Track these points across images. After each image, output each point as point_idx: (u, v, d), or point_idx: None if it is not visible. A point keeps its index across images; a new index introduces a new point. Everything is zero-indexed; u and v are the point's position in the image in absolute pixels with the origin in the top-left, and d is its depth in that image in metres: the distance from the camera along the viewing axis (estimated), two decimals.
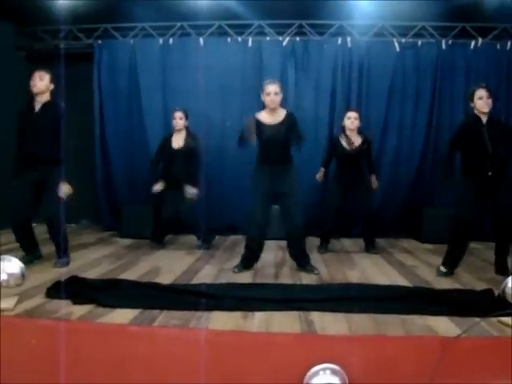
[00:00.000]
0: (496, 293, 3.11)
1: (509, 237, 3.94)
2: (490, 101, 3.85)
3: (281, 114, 4.05)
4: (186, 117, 5.17)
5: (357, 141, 4.99)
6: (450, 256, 4.03)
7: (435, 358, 2.42)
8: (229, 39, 6.19)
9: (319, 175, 5.24)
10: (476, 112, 3.91)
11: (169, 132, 5.34)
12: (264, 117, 4.05)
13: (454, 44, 6.04)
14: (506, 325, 2.74)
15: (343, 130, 5.06)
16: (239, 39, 6.18)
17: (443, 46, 6.03)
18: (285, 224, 4.21)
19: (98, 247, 5.18)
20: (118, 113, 6.31)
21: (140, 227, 5.59)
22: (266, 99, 3.98)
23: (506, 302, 2.87)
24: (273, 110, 4.02)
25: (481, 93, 3.86)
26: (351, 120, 5.00)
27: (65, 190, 4.03)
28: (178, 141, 5.13)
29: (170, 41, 6.19)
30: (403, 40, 6.08)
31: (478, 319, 2.75)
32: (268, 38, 6.20)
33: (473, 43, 6.00)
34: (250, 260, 4.20)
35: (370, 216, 5.13)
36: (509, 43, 5.93)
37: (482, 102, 3.84)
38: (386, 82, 6.10)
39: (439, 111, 6.08)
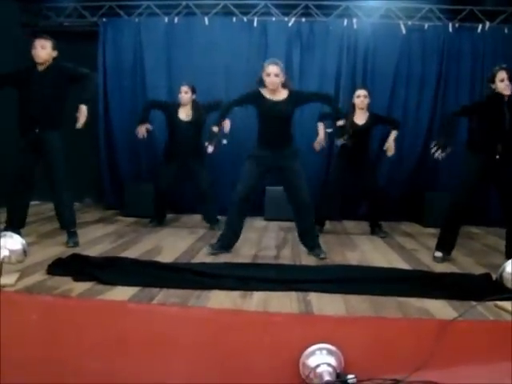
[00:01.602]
0: (494, 277, 3.12)
1: None
2: (510, 84, 3.76)
3: (283, 93, 4.01)
4: (193, 91, 5.16)
5: (364, 119, 4.97)
6: (442, 239, 4.03)
7: (432, 341, 2.45)
8: (234, 19, 6.14)
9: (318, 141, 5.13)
10: (496, 90, 3.81)
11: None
12: (266, 93, 4.01)
13: (461, 27, 5.98)
14: (503, 309, 2.77)
15: (353, 107, 5.02)
16: (244, 19, 6.14)
17: (450, 30, 5.97)
18: (291, 202, 4.12)
19: (101, 225, 5.22)
20: (122, 91, 6.30)
21: (143, 206, 5.60)
22: (266, 80, 3.94)
23: (503, 286, 2.88)
24: (273, 91, 3.98)
25: (502, 75, 3.76)
26: (361, 98, 4.97)
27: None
28: (185, 112, 5.14)
29: (176, 20, 6.15)
30: (409, 22, 6.01)
31: (474, 303, 2.77)
32: (273, 19, 6.15)
33: (480, 27, 5.93)
34: (228, 239, 4.11)
35: (378, 195, 5.12)
36: None
37: (503, 84, 3.74)
38: (391, 64, 6.06)
39: (444, 95, 6.04)
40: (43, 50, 4.01)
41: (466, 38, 5.99)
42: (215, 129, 4.11)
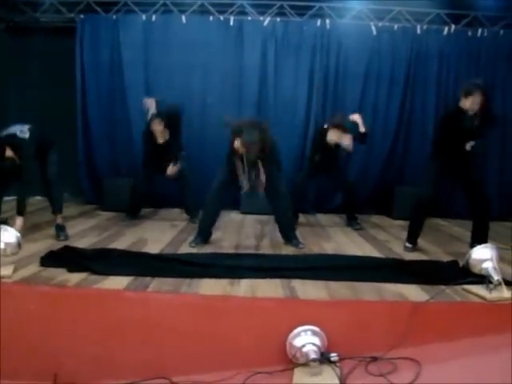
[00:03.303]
0: (461, 264, 3.39)
1: (487, 211, 4.16)
2: (481, 100, 3.89)
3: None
4: (162, 120, 5.20)
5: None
6: (411, 231, 4.29)
7: (406, 321, 2.69)
8: (211, 17, 6.26)
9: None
10: (464, 107, 3.95)
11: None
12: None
13: (429, 29, 6.25)
14: (469, 292, 3.03)
15: (326, 130, 5.15)
16: (221, 18, 6.27)
17: (418, 31, 6.24)
18: (268, 194, 4.30)
19: (82, 219, 5.30)
20: (100, 88, 6.35)
21: (121, 200, 5.65)
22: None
23: (469, 271, 3.15)
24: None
25: (477, 96, 3.88)
26: (334, 139, 5.09)
27: None
28: (162, 135, 5.28)
29: (153, 17, 6.23)
30: (380, 24, 6.26)
31: (444, 287, 3.03)
32: (249, 18, 6.31)
33: (446, 29, 6.23)
34: (206, 233, 4.29)
35: (350, 187, 5.37)
36: (479, 30, 6.18)
37: (474, 104, 3.88)
38: (362, 63, 6.29)
39: (412, 93, 6.31)
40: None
41: (432, 40, 6.26)
42: None
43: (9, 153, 3.97)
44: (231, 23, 6.26)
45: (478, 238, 3.98)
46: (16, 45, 6.49)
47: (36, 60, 6.41)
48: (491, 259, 3.04)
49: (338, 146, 5.14)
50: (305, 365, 2.56)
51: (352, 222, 5.37)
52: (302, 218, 5.71)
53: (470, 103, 3.93)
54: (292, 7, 6.34)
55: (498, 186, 6.19)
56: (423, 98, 6.29)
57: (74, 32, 6.33)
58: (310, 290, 3.03)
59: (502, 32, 6.23)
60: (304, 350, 2.58)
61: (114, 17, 6.30)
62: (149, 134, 5.28)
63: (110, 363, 2.70)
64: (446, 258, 3.87)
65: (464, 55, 6.24)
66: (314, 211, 6.20)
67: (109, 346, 2.73)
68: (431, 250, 4.30)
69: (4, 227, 3.22)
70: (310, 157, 5.38)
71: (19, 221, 3.94)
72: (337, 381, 2.42)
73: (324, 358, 2.57)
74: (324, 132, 5.17)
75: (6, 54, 6.46)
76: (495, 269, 3.00)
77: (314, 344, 2.60)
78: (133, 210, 5.46)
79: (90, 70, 6.32)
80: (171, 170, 5.23)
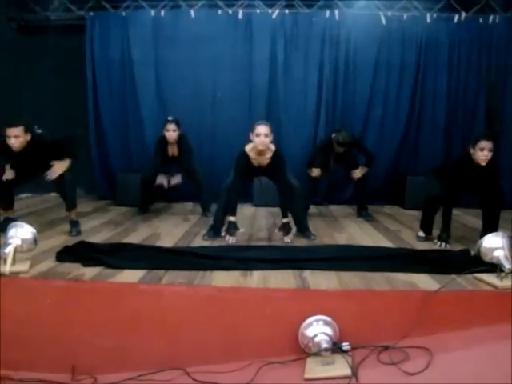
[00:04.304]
0: (472, 252, 3.39)
1: (499, 201, 4.11)
2: (490, 154, 3.83)
3: (267, 156, 4.11)
4: (179, 126, 5.27)
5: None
6: (424, 223, 4.28)
7: (417, 310, 2.71)
8: (219, 11, 6.28)
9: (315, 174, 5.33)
10: (473, 158, 3.91)
11: (156, 124, 5.58)
12: (252, 154, 4.12)
13: (439, 18, 6.21)
14: (480, 280, 3.03)
15: (331, 141, 5.20)
16: (230, 12, 6.28)
17: (428, 20, 6.20)
18: (278, 188, 4.29)
19: (96, 215, 5.36)
20: (111, 84, 6.41)
21: (134, 195, 5.66)
22: (255, 140, 4.00)
23: (480, 260, 3.15)
24: (261, 151, 4.07)
25: (484, 144, 3.83)
26: (340, 151, 5.19)
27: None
28: (172, 149, 5.36)
29: (162, 13, 6.27)
30: (389, 13, 6.23)
31: (455, 276, 3.03)
32: (258, 11, 6.31)
33: (456, 17, 6.18)
34: (219, 226, 4.29)
35: (363, 180, 5.36)
36: (491, 17, 6.13)
37: (482, 154, 3.82)
38: (372, 54, 6.27)
39: (423, 83, 6.27)
40: (17, 140, 3.99)
41: (443, 28, 6.22)
42: (232, 219, 4.11)
43: None
44: (240, 17, 6.27)
45: (489, 227, 3.97)
46: (27, 43, 6.57)
47: (47, 58, 6.46)
48: (502, 247, 3.04)
49: (346, 153, 5.24)
50: (317, 354, 2.61)
51: (363, 213, 5.38)
52: (314, 209, 5.75)
53: (478, 153, 3.87)
54: None
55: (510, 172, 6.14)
56: (434, 87, 6.25)
57: (84, 29, 6.39)
58: (321, 280, 3.05)
59: None
60: (316, 339, 2.62)
61: (124, 13, 6.34)
62: (162, 143, 5.35)
63: (125, 355, 2.77)
64: (457, 248, 3.86)
65: (475, 43, 6.18)
66: (327, 202, 6.23)
67: (124, 338, 2.79)
68: None
69: (20, 223, 3.28)
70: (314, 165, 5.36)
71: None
72: (349, 370, 2.46)
73: (336, 348, 2.61)
74: (331, 144, 5.22)
75: (18, 52, 6.54)
76: (506, 257, 2.99)
77: (325, 334, 2.64)
78: (144, 205, 5.52)
79: (100, 67, 6.37)
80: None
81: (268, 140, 4.01)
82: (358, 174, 5.32)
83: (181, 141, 5.32)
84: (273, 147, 4.11)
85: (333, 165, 5.34)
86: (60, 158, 4.23)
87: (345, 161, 5.33)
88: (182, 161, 5.36)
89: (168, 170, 5.45)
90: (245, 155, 4.11)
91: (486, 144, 3.84)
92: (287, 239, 4.08)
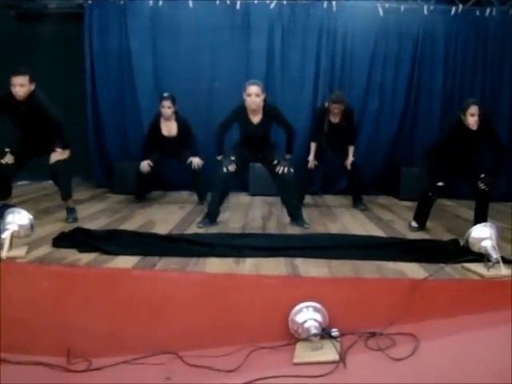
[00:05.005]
0: (461, 242, 3.45)
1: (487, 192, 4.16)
2: (479, 119, 3.96)
3: (259, 115, 4.29)
4: (174, 103, 5.32)
5: (338, 118, 5.23)
6: (418, 214, 4.34)
7: (405, 298, 2.77)
8: (217, 2, 6.29)
9: (311, 164, 5.37)
10: (465, 124, 4.03)
11: (154, 113, 5.52)
12: (248, 112, 4.30)
13: (436, 9, 6.24)
14: (468, 270, 3.10)
15: (328, 109, 5.21)
16: (227, 2, 6.29)
17: (425, 12, 6.23)
18: (273, 177, 4.47)
19: (93, 202, 5.42)
20: (109, 73, 6.44)
21: (132, 183, 5.72)
22: (247, 100, 4.17)
23: (468, 249, 3.21)
24: (254, 110, 4.23)
25: (474, 109, 3.96)
26: (335, 111, 5.17)
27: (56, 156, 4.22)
28: (168, 128, 5.38)
29: (160, 3, 6.28)
30: (387, 5, 6.24)
31: (443, 265, 3.09)
32: (256, 1, 6.32)
33: (453, 9, 6.21)
34: (214, 214, 4.38)
35: (355, 170, 5.41)
36: (487, 10, 6.16)
37: (472, 119, 3.95)
38: (369, 45, 6.30)
39: (419, 74, 6.32)
40: (22, 88, 4.03)
41: (440, 20, 6.25)
42: (220, 158, 4.43)
43: None
44: (238, 7, 6.29)
45: (479, 218, 4.04)
46: (25, 32, 6.57)
47: (45, 47, 6.48)
48: (490, 238, 3.10)
49: (340, 125, 5.24)
50: (306, 340, 2.65)
51: (358, 203, 5.42)
52: (309, 199, 5.80)
53: (469, 118, 3.99)
54: None
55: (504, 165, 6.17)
56: (430, 78, 6.30)
57: (82, 18, 6.41)
58: (312, 268, 3.11)
59: (511, 11, 6.19)
60: (306, 325, 2.67)
61: (122, 2, 6.35)
62: (156, 120, 5.40)
63: (119, 339, 2.81)
64: (448, 237, 3.91)
65: (472, 35, 6.22)
66: (322, 192, 6.29)
67: (118, 322, 2.84)
68: (435, 229, 4.35)
69: (18, 210, 3.33)
70: (312, 138, 5.43)
71: None
72: (336, 355, 2.51)
73: (325, 333, 2.66)
74: (325, 111, 5.24)
75: (16, 40, 6.54)
76: (494, 247, 3.06)
77: (315, 320, 2.69)
78: (140, 193, 5.57)
79: (98, 56, 6.40)
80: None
81: (259, 100, 4.18)
82: (349, 159, 5.35)
83: (180, 123, 5.38)
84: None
85: (327, 139, 5.29)
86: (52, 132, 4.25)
87: (338, 135, 5.30)
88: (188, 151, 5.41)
89: (164, 160, 5.48)
90: (242, 108, 4.28)
91: (475, 109, 3.97)
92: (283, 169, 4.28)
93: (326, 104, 5.25)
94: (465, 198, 5.70)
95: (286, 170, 4.28)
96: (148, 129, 5.56)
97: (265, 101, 4.30)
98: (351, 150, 5.39)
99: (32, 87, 4.11)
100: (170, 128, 5.38)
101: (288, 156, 4.49)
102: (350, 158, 5.36)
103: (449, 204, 5.75)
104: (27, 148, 4.33)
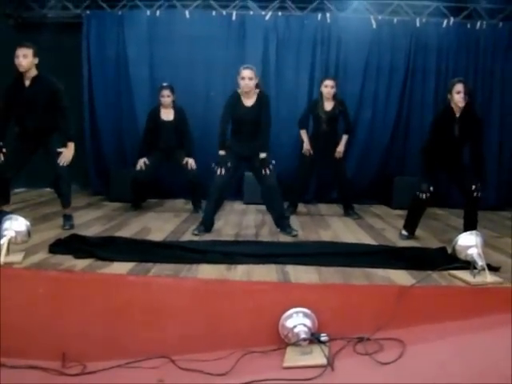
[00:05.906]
0: (449, 250, 3.52)
1: (476, 199, 4.21)
2: (466, 96, 4.01)
3: (253, 98, 4.39)
4: (173, 92, 5.48)
5: (332, 105, 5.34)
6: (408, 221, 4.41)
7: (393, 304, 2.83)
8: (214, 12, 6.41)
9: (306, 148, 5.46)
10: (452, 105, 4.12)
11: (154, 105, 5.65)
12: (242, 96, 4.41)
13: (428, 22, 6.36)
14: (455, 277, 3.16)
15: (321, 95, 5.36)
16: (224, 13, 6.41)
17: (417, 24, 6.34)
18: (260, 184, 4.54)
19: (90, 210, 5.48)
20: (106, 82, 6.53)
21: (128, 191, 5.75)
22: (241, 83, 4.32)
23: (455, 257, 3.29)
24: (247, 93, 4.35)
25: (459, 87, 4.03)
26: (328, 89, 5.29)
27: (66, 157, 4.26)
28: (167, 114, 5.50)
29: (157, 13, 6.39)
30: (380, 17, 6.37)
31: (430, 272, 3.17)
32: (251, 13, 6.45)
33: (445, 22, 6.32)
34: (208, 222, 4.44)
35: (346, 182, 5.50)
36: (478, 23, 6.28)
37: (459, 96, 4.02)
38: (362, 56, 6.41)
39: (412, 86, 6.43)
40: (25, 59, 4.11)
41: (432, 33, 6.36)
42: (222, 152, 4.39)
43: None
44: (233, 18, 6.40)
45: (468, 226, 4.11)
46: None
47: (44, 55, 6.50)
48: (476, 245, 3.17)
49: (332, 118, 5.34)
50: (296, 344, 2.71)
51: (349, 212, 5.49)
52: (302, 207, 5.88)
53: (455, 96, 4.06)
54: (293, 1, 6.47)
55: (496, 174, 6.29)
56: (422, 90, 6.41)
57: (80, 28, 6.50)
58: (302, 274, 3.17)
59: (500, 24, 6.33)
60: (295, 330, 2.73)
61: (120, 12, 6.47)
62: (154, 111, 5.54)
63: (114, 343, 2.86)
64: (437, 246, 3.99)
65: (463, 47, 6.34)
66: (316, 201, 6.37)
67: (113, 327, 2.89)
68: (425, 238, 4.43)
69: (15, 216, 3.39)
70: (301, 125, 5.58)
71: None
72: (325, 360, 2.57)
73: (314, 338, 2.73)
74: (317, 102, 5.38)
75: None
76: (479, 255, 3.13)
77: (304, 325, 2.76)
78: (136, 201, 5.63)
79: (96, 65, 6.49)
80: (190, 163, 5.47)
81: (252, 83, 4.31)
82: (340, 148, 5.44)
83: (177, 110, 5.52)
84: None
85: (321, 130, 5.38)
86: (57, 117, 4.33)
87: (331, 125, 5.39)
88: (183, 150, 5.51)
89: (160, 161, 5.57)
90: (236, 94, 4.41)
91: (461, 87, 4.03)
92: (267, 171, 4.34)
93: (320, 89, 5.38)
94: (456, 207, 5.79)
95: (267, 171, 4.34)
96: (147, 118, 5.65)
97: (259, 86, 4.42)
98: (344, 138, 5.48)
99: (36, 61, 4.21)
100: (168, 114, 5.52)
101: (263, 155, 4.39)
102: (341, 147, 5.44)
103: (440, 213, 5.84)
104: (27, 142, 4.32)
